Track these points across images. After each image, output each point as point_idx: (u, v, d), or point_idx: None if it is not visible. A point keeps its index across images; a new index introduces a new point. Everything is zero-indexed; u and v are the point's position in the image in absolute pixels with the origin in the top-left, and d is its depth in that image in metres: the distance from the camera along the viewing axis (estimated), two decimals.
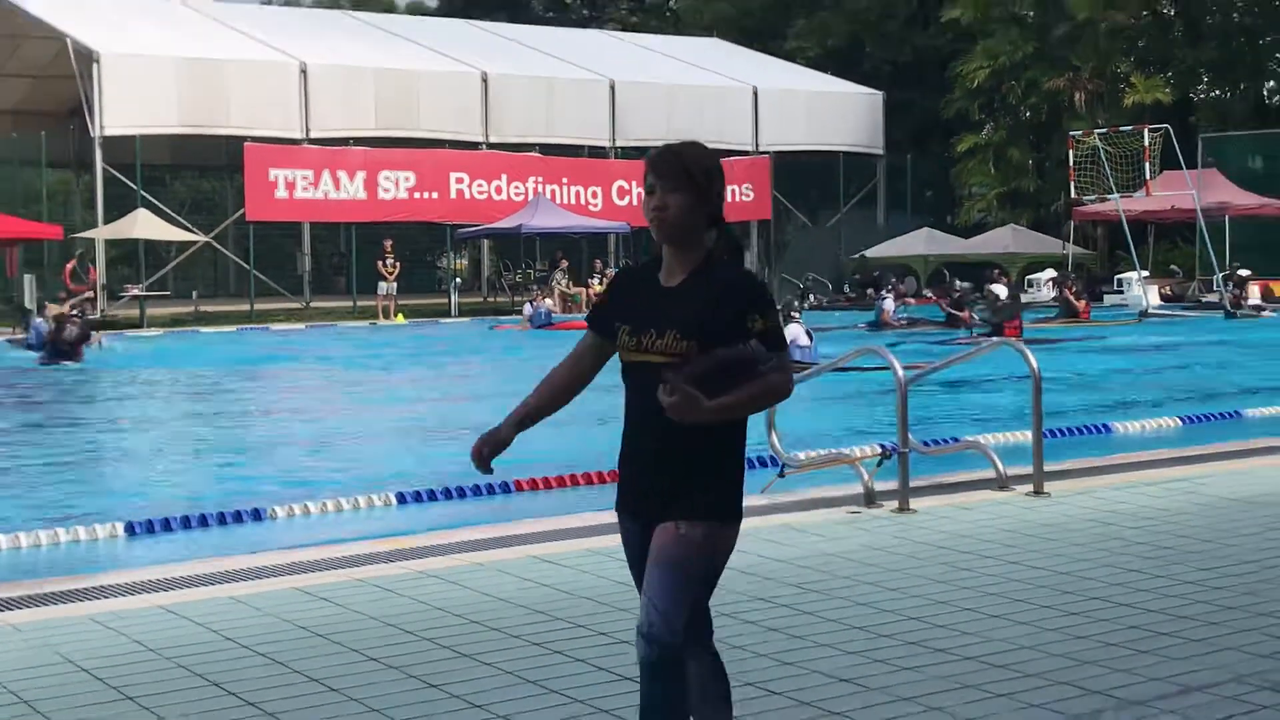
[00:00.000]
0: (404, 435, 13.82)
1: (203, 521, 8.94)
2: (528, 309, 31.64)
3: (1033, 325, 26.87)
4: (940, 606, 5.81)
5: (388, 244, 35.77)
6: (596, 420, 14.36)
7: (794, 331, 18.35)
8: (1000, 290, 24.38)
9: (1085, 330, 26.50)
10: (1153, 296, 32.54)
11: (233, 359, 23.38)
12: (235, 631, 5.63)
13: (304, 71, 36.60)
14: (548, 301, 31.84)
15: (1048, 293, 34.01)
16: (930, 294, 33.50)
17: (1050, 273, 35.42)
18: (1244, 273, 32.14)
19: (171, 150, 40.31)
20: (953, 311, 26.49)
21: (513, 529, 7.72)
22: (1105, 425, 12.80)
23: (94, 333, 23.85)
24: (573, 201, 39.19)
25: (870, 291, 35.60)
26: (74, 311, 23.51)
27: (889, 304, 28.75)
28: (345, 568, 6.76)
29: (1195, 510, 7.84)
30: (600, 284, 37.94)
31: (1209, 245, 32.73)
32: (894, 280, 34.02)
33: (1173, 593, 5.97)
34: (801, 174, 45.07)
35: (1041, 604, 5.83)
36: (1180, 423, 13.04)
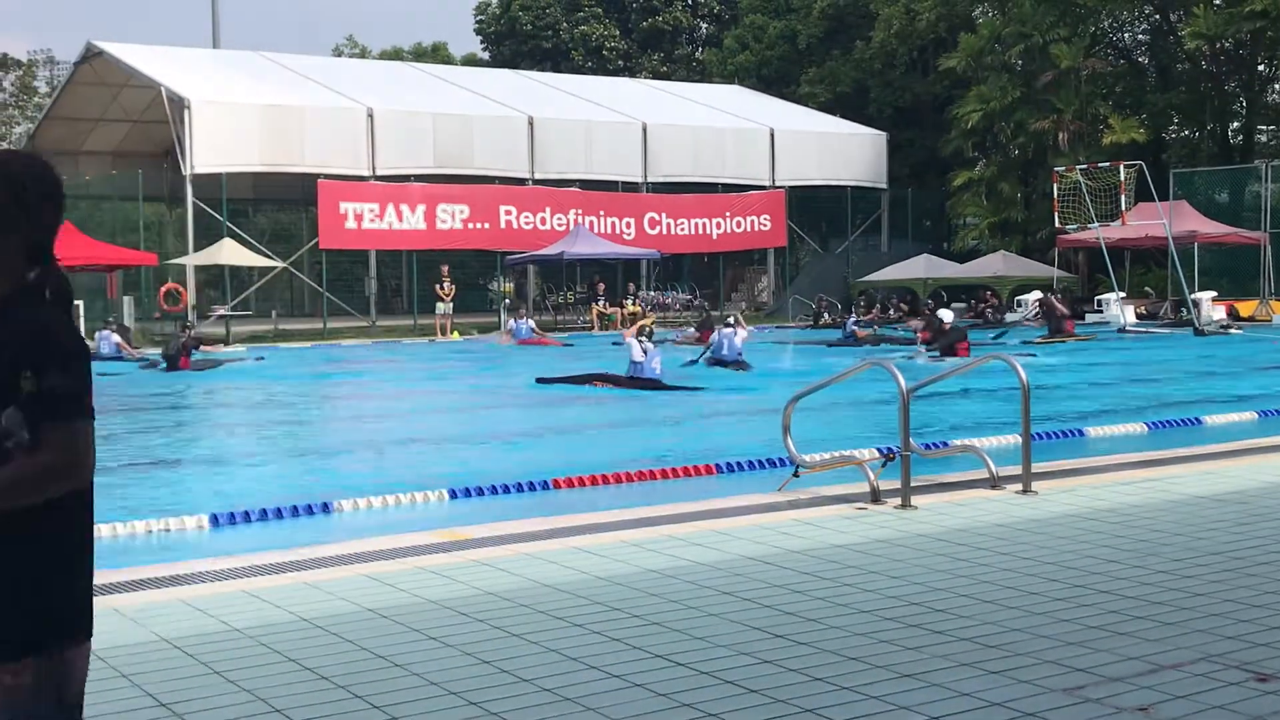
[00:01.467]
0: (448, 439, 13.84)
1: (278, 514, 8.97)
2: (511, 324, 31.51)
3: (1037, 342, 26.80)
4: (938, 593, 5.79)
5: (444, 269, 35.85)
6: (622, 425, 14.49)
7: (632, 350, 18.34)
8: (947, 315, 24.28)
9: (1071, 344, 26.44)
10: (1129, 315, 32.34)
11: (306, 373, 23.51)
12: (310, 613, 5.65)
13: (371, 116, 36.77)
14: (529, 321, 31.63)
15: (1034, 312, 33.87)
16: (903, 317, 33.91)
17: (1037, 294, 35.25)
18: (1201, 295, 32.05)
19: (253, 186, 40.61)
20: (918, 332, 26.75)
21: (554, 522, 7.73)
22: (1086, 430, 12.73)
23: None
24: (609, 231, 39.23)
25: (870, 309, 35.70)
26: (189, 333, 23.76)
27: (853, 321, 29.10)
28: (407, 556, 6.77)
29: (1167, 507, 7.78)
30: (633, 304, 38.00)
31: (1179, 269, 32.51)
32: (861, 302, 34.14)
33: (1148, 581, 5.93)
34: (813, 206, 44.99)
35: (1029, 590, 5.79)
36: (1154, 427, 12.93)
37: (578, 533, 7.34)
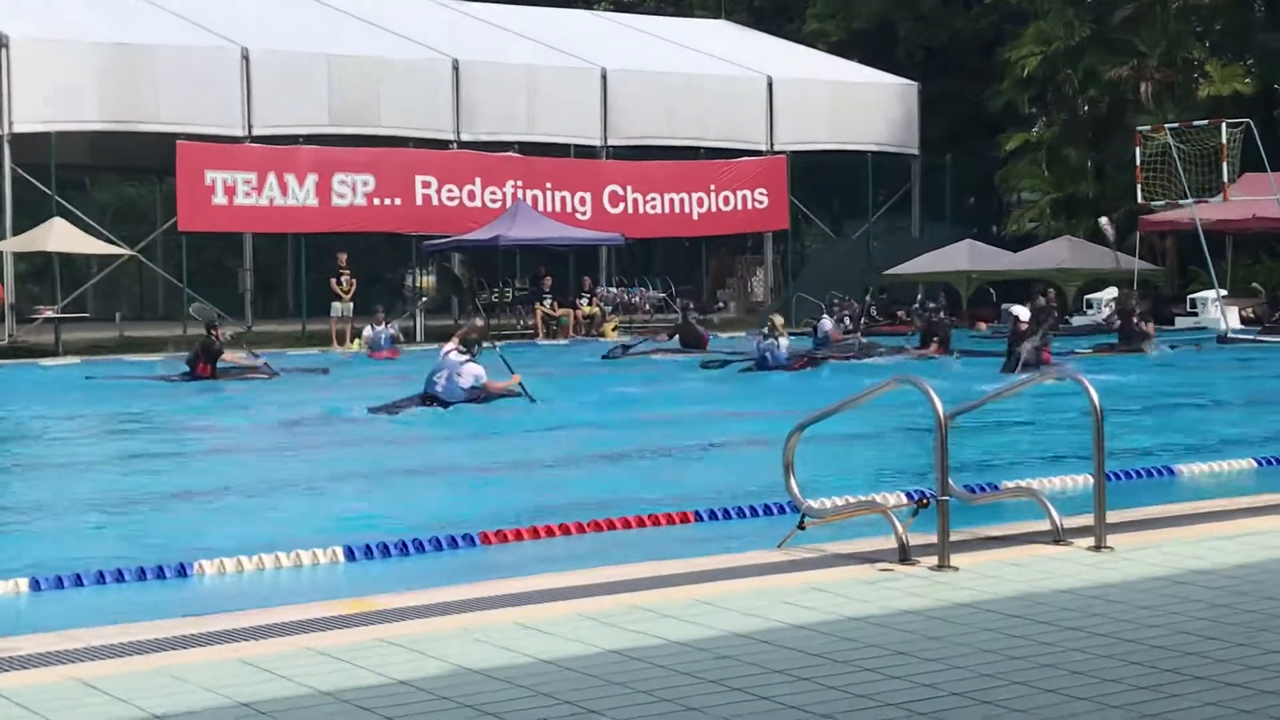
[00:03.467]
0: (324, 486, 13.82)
1: (119, 577, 8.91)
2: (367, 331, 31.44)
3: (1093, 354, 27.10)
4: (987, 680, 5.80)
5: (343, 258, 35.78)
6: (569, 463, 14.50)
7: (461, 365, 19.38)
8: (1021, 312, 24.58)
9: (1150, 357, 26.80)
10: (1232, 319, 32.61)
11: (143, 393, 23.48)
12: (162, 708, 5.60)
13: (246, 58, 36.69)
14: (390, 328, 31.46)
15: (1107, 314, 34.15)
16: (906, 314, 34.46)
17: (1112, 291, 35.49)
18: None
19: (92, 150, 40.39)
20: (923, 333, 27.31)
21: (486, 589, 7.70)
22: (1176, 468, 12.81)
23: None
24: (558, 209, 39.27)
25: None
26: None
27: (828, 323, 29.39)
28: (293, 634, 6.73)
29: None
30: (590, 304, 38.03)
31: None
32: (836, 299, 34.47)
33: (1258, 663, 5.96)
34: (824, 177, 45.25)
35: (1106, 677, 5.81)
36: (1265, 465, 13.03)
37: (516, 602, 7.32)
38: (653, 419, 18.84)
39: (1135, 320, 29.19)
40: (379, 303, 33.41)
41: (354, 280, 35.67)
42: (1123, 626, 6.61)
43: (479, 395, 19.41)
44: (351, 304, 35.19)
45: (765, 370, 24.84)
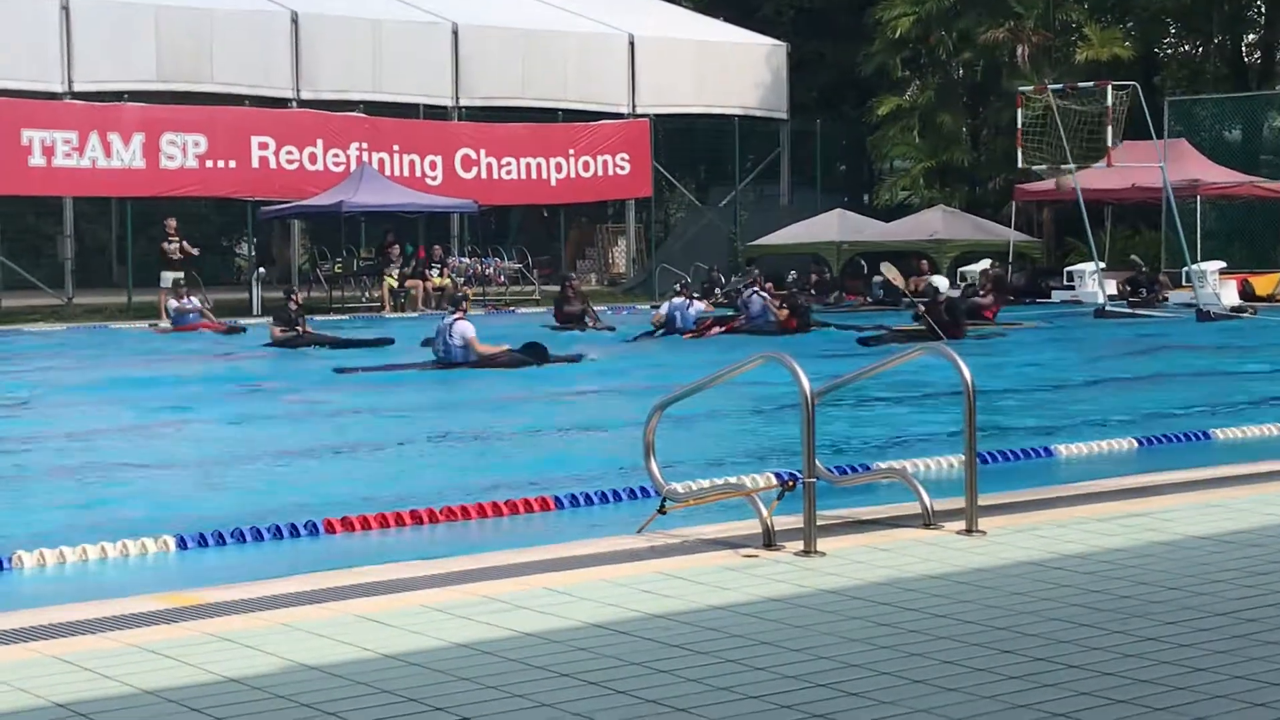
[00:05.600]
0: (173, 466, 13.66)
1: None
2: (173, 304, 31.05)
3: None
4: (854, 670, 5.86)
5: (172, 225, 35.23)
6: (421, 447, 14.42)
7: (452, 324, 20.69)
8: (941, 282, 24.96)
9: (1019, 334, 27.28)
10: (1110, 292, 33.16)
11: None
12: None
13: (66, 8, 35.96)
14: (194, 300, 30.97)
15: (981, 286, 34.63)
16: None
17: (986, 264, 35.99)
18: (1206, 265, 32.97)
19: None
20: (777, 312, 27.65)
21: (326, 580, 7.65)
22: (1054, 449, 13.02)
23: None
24: (406, 173, 38.99)
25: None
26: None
27: (756, 298, 29.70)
28: (116, 629, 6.64)
29: (1159, 551, 7.98)
30: (440, 276, 37.80)
31: (1179, 231, 33.34)
32: (706, 269, 35.04)
33: (1132, 651, 6.07)
34: (689, 142, 45.30)
35: (976, 666, 5.89)
36: (1143, 445, 13.29)
37: (359, 594, 7.27)
38: (514, 400, 18.78)
39: (990, 291, 29.74)
40: (215, 271, 32.92)
41: (186, 247, 35.06)
42: (994, 613, 6.71)
43: (476, 359, 20.32)
44: (181, 273, 34.58)
45: (675, 333, 26.41)
